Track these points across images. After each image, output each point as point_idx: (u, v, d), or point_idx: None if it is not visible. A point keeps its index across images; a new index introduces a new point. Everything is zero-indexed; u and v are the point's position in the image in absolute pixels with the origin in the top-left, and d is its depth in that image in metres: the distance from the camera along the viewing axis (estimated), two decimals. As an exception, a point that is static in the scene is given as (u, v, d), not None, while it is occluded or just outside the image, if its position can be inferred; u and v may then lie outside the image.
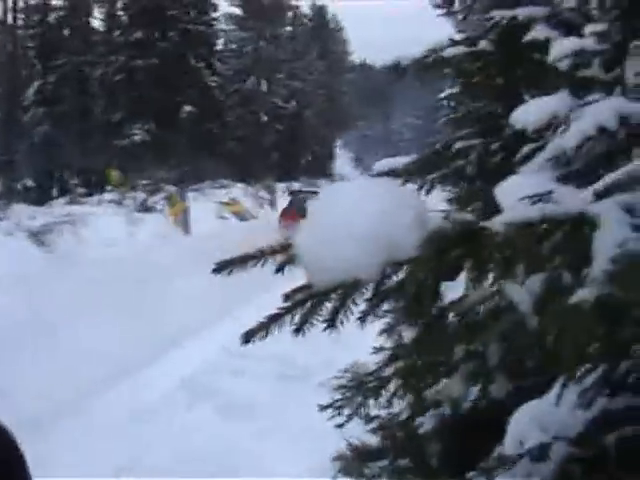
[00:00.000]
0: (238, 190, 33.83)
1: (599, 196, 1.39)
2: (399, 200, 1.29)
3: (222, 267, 1.58)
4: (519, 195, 2.19)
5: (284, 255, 1.54)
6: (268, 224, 26.15)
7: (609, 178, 1.53)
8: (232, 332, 7.67)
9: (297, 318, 1.50)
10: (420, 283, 1.35)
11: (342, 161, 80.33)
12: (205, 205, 26.46)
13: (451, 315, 1.90)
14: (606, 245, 1.04)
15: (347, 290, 1.39)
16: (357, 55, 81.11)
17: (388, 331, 5.04)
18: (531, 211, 1.27)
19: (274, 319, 1.53)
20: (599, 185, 1.49)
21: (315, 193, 31.68)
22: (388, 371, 3.82)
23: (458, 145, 3.78)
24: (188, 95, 37.01)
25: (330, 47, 66.22)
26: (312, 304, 1.47)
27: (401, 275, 1.35)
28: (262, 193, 35.35)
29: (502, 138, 3.60)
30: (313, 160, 56.80)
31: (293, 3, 55.15)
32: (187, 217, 23.07)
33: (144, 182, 27.56)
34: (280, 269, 1.58)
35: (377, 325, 5.16)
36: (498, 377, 2.01)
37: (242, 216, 28.18)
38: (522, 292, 1.22)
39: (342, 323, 1.53)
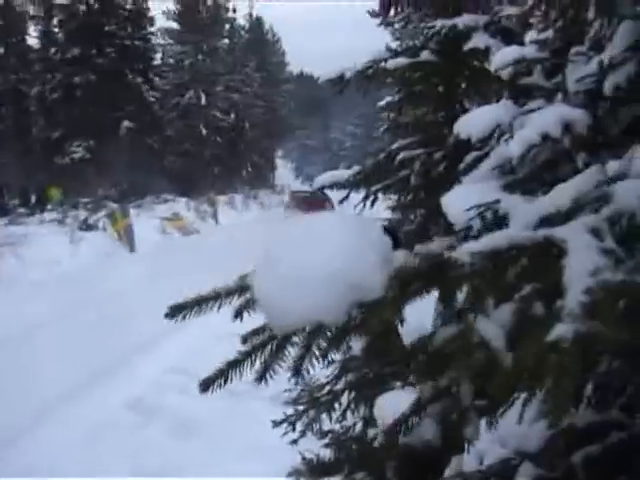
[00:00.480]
0: (180, 205, 33.50)
1: (565, 216, 1.35)
2: (363, 237, 1.23)
3: (175, 312, 1.49)
4: (465, 205, 2.16)
5: (241, 298, 1.47)
6: (211, 238, 26.06)
7: (570, 197, 1.50)
8: (180, 351, 7.60)
9: (258, 364, 1.43)
10: (386, 323, 1.29)
11: (283, 171, 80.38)
12: (148, 221, 26.11)
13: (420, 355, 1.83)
14: (578, 274, 0.99)
15: (310, 334, 1.33)
16: (295, 65, 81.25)
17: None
18: (498, 238, 1.22)
19: (232, 365, 1.45)
20: (562, 206, 1.45)
21: (312, 193, 31.83)
22: (340, 384, 3.80)
23: (402, 155, 3.77)
24: (127, 111, 36.67)
25: (268, 58, 66.23)
26: (273, 348, 1.40)
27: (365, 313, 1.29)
28: (204, 206, 35.06)
29: (445, 147, 3.59)
30: (254, 171, 56.70)
31: (230, 15, 54.86)
32: (132, 234, 22.64)
33: (85, 200, 27.20)
34: (238, 315, 1.50)
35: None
36: (471, 417, 1.95)
37: (185, 231, 27.93)
38: (494, 328, 1.17)
39: (308, 372, 1.46)
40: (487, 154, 2.69)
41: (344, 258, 1.17)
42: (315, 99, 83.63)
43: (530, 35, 2.70)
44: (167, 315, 1.50)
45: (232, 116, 50.99)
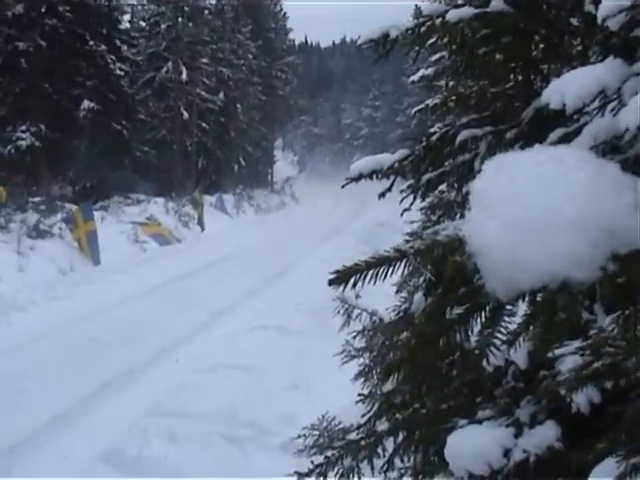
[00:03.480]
0: (156, 206, 33.41)
1: None
2: (608, 175, 1.19)
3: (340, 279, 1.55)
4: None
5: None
6: (197, 249, 26.06)
7: None
8: (165, 388, 7.55)
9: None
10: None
11: (283, 165, 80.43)
12: (116, 227, 26.06)
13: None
14: None
15: (550, 297, 1.30)
16: (297, 33, 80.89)
17: (365, 374, 5.03)
18: None
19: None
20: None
21: None
22: (382, 424, 3.79)
23: (463, 135, 3.76)
24: (88, 87, 36.26)
25: (265, 23, 65.96)
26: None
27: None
28: (186, 209, 35.02)
29: (519, 124, 3.58)
30: (248, 166, 56.73)
31: (217, -34, 54.16)
32: (96, 243, 22.41)
33: (36, 200, 27.08)
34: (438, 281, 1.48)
35: (340, 366, 5.15)
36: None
37: (163, 239, 27.88)
38: None
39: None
40: (579, 130, 2.68)
41: (592, 196, 1.11)
42: (323, 75, 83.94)
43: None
44: (331, 282, 1.64)
45: (220, 96, 50.96)
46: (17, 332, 13.10)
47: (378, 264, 1.74)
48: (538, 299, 1.61)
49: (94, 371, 10.81)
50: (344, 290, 1.73)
